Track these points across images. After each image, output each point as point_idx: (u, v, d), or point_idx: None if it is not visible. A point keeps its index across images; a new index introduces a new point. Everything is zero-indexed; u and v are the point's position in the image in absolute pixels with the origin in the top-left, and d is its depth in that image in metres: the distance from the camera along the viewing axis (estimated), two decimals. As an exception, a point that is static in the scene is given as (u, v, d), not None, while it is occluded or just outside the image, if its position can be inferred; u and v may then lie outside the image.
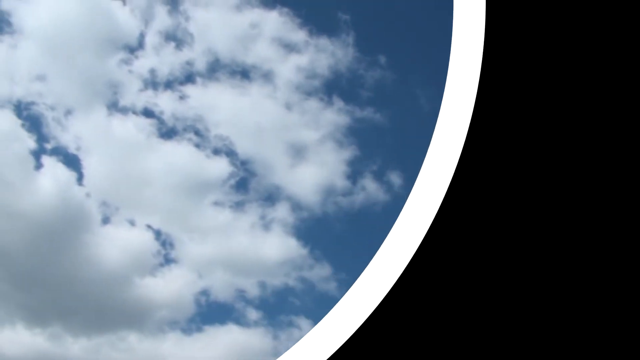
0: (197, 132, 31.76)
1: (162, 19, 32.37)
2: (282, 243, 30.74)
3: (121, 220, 28.90)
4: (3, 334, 25.36)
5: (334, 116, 34.98)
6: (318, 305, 32.29)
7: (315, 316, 31.01)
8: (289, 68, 34.32)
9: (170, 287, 28.55)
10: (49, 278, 25.82)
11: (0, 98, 28.74)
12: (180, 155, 31.04)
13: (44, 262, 25.77)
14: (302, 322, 30.34)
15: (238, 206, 32.39)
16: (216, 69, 33.38)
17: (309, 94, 35.40)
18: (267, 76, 34.16)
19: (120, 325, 26.88)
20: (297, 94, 34.52)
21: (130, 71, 30.77)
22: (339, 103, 35.19)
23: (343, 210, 33.87)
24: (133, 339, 27.02)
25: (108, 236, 28.42)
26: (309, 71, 34.71)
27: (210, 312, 29.16)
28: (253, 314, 29.89)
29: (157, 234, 29.92)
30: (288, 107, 34.45)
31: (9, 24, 30.02)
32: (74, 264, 25.97)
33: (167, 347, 27.34)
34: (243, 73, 33.86)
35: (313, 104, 35.29)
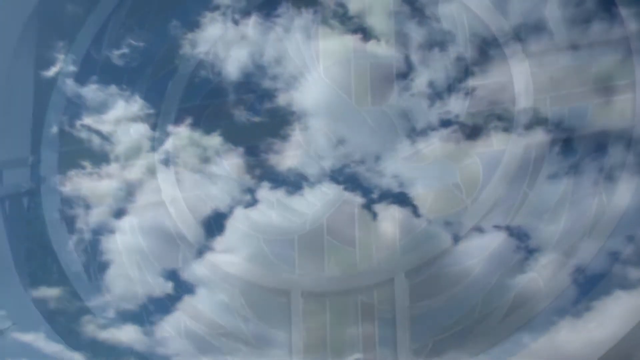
0: (499, 117, 30.67)
1: (414, 30, 32.72)
2: None
3: (469, 232, 29.01)
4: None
5: None
6: None
7: None
8: (552, 7, 31.07)
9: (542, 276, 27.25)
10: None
11: (316, 175, 32.07)
12: (495, 145, 30.24)
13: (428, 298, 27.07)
14: None
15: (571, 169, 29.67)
16: (486, 47, 32.12)
17: (587, 21, 31.39)
18: (537, 28, 31.47)
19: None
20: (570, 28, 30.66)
21: (412, 95, 31.51)
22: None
23: None
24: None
25: (466, 251, 28.65)
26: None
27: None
28: None
29: (510, 231, 29.16)
30: (574, 48, 31.00)
31: (292, 113, 33.75)
32: (447, 285, 26.75)
33: None
34: (515, 36, 31.92)
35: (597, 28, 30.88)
